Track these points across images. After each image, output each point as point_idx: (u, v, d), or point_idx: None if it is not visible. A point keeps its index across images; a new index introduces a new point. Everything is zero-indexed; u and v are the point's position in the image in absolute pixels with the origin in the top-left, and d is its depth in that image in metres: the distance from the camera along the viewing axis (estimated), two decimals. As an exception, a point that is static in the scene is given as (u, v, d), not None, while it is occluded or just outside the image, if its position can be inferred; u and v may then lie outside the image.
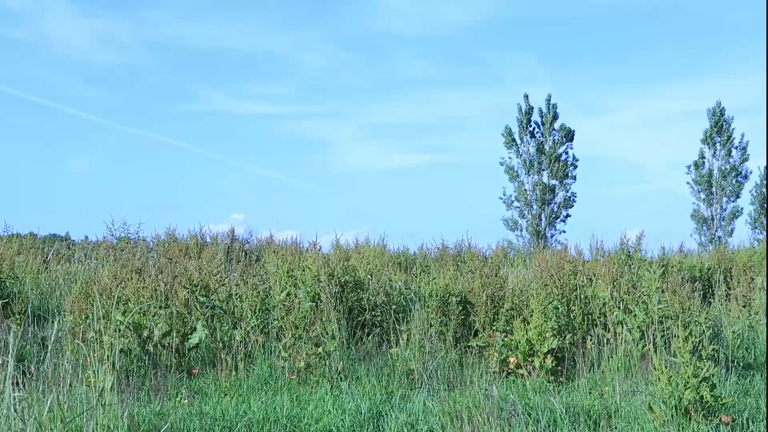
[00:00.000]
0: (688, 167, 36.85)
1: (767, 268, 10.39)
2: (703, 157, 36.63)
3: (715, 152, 36.52)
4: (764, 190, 36.60)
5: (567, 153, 35.77)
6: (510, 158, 35.98)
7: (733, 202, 36.22)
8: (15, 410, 4.02)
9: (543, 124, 35.59)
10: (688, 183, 36.83)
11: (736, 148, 36.36)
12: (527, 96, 35.82)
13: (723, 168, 36.12)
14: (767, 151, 29.77)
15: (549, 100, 35.95)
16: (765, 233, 34.26)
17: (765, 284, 8.92)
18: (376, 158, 43.33)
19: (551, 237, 34.95)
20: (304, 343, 6.38)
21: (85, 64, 38.82)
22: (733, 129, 36.34)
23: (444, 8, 40.39)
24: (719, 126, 36.46)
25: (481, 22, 41.78)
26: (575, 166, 35.70)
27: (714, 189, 36.22)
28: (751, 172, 36.25)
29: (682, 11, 40.92)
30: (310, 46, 42.15)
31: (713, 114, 36.67)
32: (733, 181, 36.07)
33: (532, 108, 35.84)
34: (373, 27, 41.62)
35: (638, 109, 46.17)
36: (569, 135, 35.64)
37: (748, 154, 36.16)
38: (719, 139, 36.45)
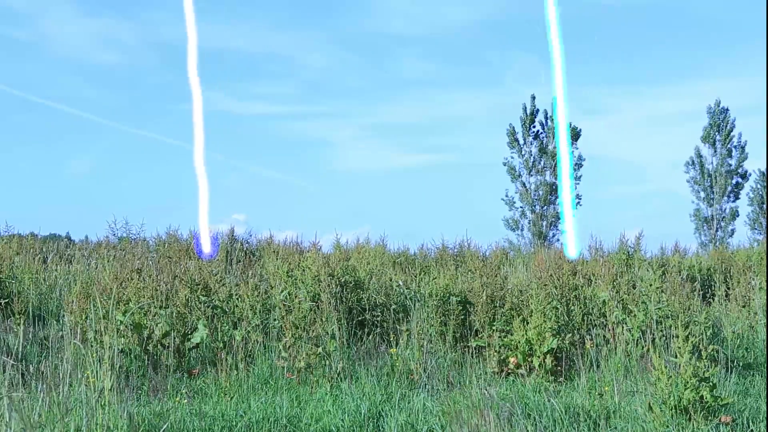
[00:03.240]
0: (686, 165, 36.85)
1: (767, 268, 10.39)
2: (700, 156, 36.62)
3: (715, 151, 36.52)
4: (761, 191, 36.58)
5: (573, 153, 35.73)
6: (512, 158, 36.01)
7: (732, 202, 36.21)
8: (15, 410, 4.03)
9: (549, 120, 35.52)
10: (688, 182, 36.84)
11: (735, 147, 36.35)
12: (534, 97, 35.77)
13: (722, 167, 36.09)
14: (767, 152, 29.81)
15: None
16: (764, 234, 34.24)
17: (765, 284, 8.91)
18: (377, 158, 43.32)
19: (553, 237, 34.96)
20: (304, 343, 6.39)
21: (86, 64, 38.83)
22: (733, 128, 36.29)
23: (444, 8, 40.38)
24: (719, 124, 36.45)
25: (482, 23, 41.76)
26: (580, 165, 35.64)
27: (715, 188, 36.20)
28: (750, 174, 36.21)
29: (681, 12, 40.93)
30: (311, 46, 42.15)
31: (713, 112, 36.66)
32: (734, 181, 36.06)
33: (538, 110, 35.79)
34: (374, 27, 41.62)
35: (638, 109, 46.18)
36: (575, 135, 35.56)
37: (747, 153, 36.15)
38: (719, 137, 36.43)
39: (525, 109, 35.70)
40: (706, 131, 36.47)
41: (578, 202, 35.58)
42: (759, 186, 36.82)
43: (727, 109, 36.54)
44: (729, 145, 36.18)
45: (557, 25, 5.53)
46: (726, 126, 36.30)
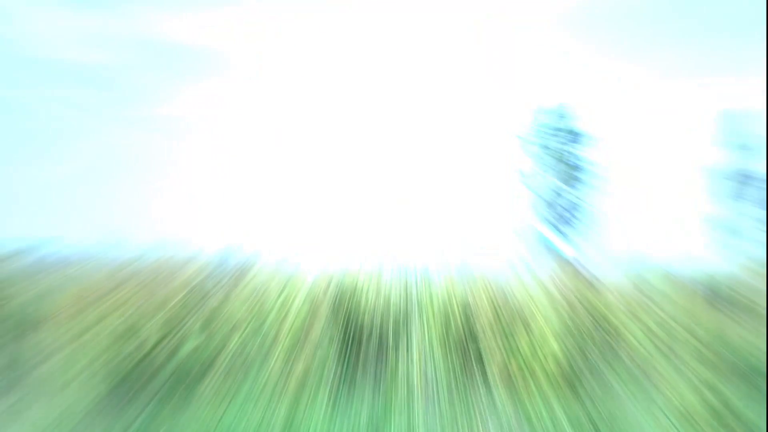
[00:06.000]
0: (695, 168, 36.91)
1: (767, 269, 10.37)
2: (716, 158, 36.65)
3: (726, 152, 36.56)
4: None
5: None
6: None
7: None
8: (14, 413, 4.01)
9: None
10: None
11: (741, 148, 36.40)
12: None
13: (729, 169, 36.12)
14: (767, 151, 29.94)
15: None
16: (765, 233, 34.29)
17: (765, 284, 8.90)
18: (376, 158, 43.41)
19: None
20: (302, 348, 6.35)
21: (81, 63, 38.84)
22: (741, 129, 36.34)
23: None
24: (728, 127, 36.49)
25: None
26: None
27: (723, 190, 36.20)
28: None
29: (682, 12, 40.98)
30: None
31: (719, 115, 36.70)
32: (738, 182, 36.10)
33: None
34: (372, 27, 41.69)
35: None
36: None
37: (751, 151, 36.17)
38: (727, 138, 36.48)
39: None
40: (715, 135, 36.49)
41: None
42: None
43: (730, 110, 36.61)
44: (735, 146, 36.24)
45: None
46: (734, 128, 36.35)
